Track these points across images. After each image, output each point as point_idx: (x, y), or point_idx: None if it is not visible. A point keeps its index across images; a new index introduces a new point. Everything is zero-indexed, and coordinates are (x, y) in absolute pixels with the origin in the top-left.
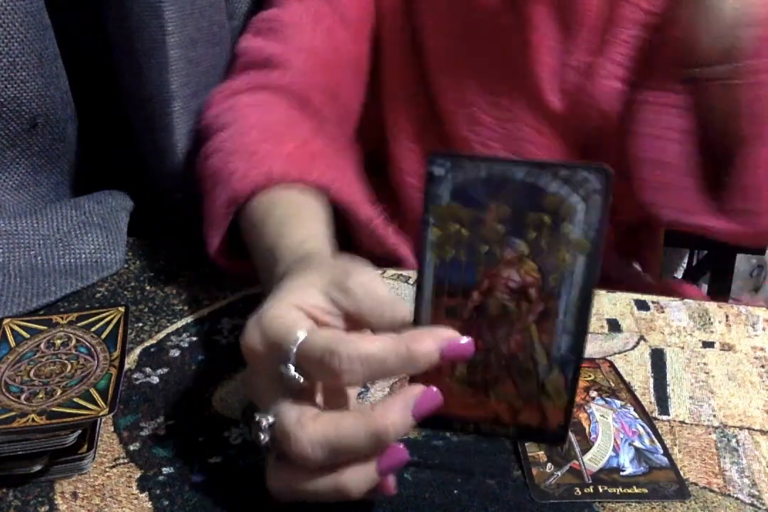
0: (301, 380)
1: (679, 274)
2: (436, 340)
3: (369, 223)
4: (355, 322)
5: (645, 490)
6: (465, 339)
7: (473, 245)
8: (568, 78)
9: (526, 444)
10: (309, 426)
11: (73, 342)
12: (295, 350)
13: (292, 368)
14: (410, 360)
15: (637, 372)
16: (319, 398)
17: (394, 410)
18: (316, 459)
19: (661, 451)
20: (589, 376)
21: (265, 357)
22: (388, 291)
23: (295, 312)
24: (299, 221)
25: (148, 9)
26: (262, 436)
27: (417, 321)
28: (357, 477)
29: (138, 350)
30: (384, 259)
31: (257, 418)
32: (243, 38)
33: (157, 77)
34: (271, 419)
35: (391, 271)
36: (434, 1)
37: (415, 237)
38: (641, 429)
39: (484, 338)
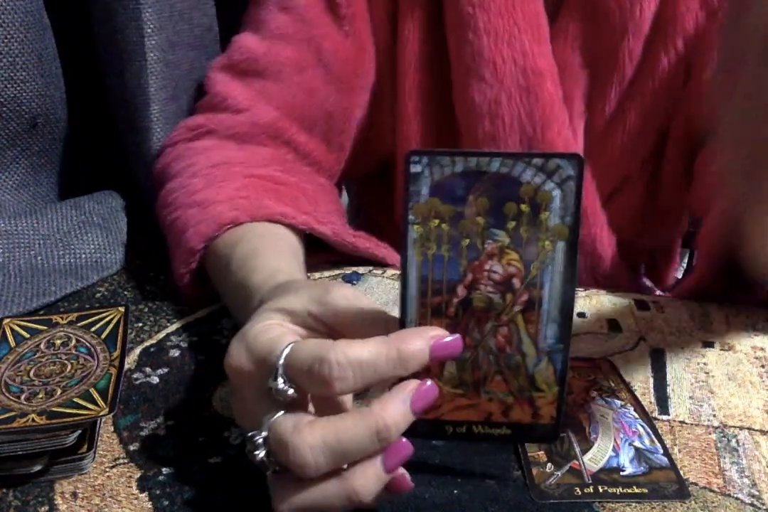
0: (291, 391)
1: (679, 274)
2: (425, 339)
3: (335, 237)
4: (339, 337)
5: (645, 490)
6: (452, 337)
7: (455, 240)
8: (597, 123)
9: (526, 444)
10: (306, 432)
11: (73, 342)
12: (282, 362)
13: (281, 381)
14: (401, 362)
15: (637, 372)
16: (311, 409)
17: (393, 406)
18: (319, 465)
19: (661, 451)
20: (589, 376)
21: (253, 375)
22: (367, 300)
23: (279, 328)
24: (265, 256)
25: (128, 11)
26: (257, 452)
27: (403, 323)
28: (366, 480)
29: (138, 350)
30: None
31: (250, 435)
32: (216, 70)
33: (136, 79)
34: (264, 433)
35: (390, 271)
36: (466, 45)
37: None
38: (641, 429)
39: (472, 335)
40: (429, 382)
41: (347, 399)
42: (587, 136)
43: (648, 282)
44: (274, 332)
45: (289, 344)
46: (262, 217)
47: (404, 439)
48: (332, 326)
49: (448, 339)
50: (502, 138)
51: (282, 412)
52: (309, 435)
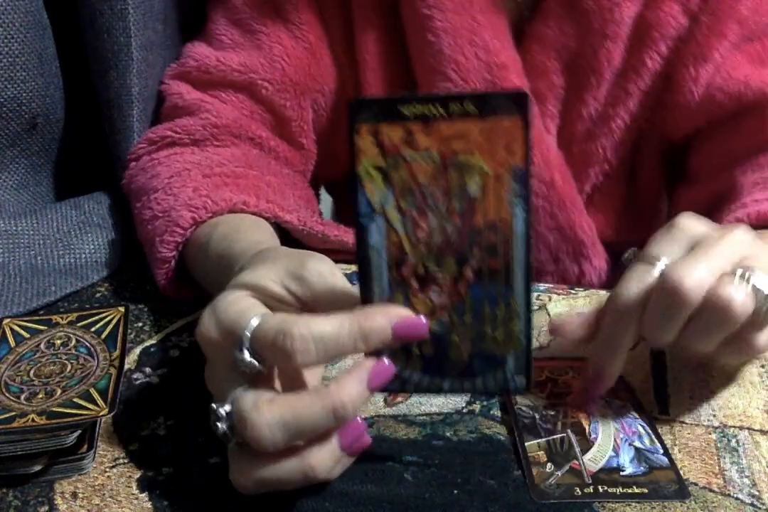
0: (256, 364)
1: None
2: (388, 317)
3: (301, 225)
4: (311, 311)
5: (645, 490)
6: (416, 317)
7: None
8: (578, 127)
9: (526, 443)
10: (264, 408)
11: (73, 342)
12: (249, 334)
13: (246, 353)
14: (362, 338)
15: (637, 372)
16: (277, 385)
17: (350, 385)
18: (276, 441)
19: (661, 451)
20: None
21: (221, 345)
22: (342, 278)
23: (250, 300)
24: (245, 232)
25: (115, 12)
26: (220, 425)
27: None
28: (321, 457)
29: (138, 350)
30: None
31: (214, 407)
32: (170, 78)
33: (121, 79)
34: (228, 407)
35: None
36: (427, 46)
37: None
38: (641, 429)
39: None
40: (386, 361)
41: (313, 377)
42: (569, 137)
43: None
44: (243, 304)
45: (257, 317)
46: (223, 209)
47: (359, 419)
48: (304, 301)
49: (412, 319)
50: None
51: (245, 386)
52: (267, 412)
